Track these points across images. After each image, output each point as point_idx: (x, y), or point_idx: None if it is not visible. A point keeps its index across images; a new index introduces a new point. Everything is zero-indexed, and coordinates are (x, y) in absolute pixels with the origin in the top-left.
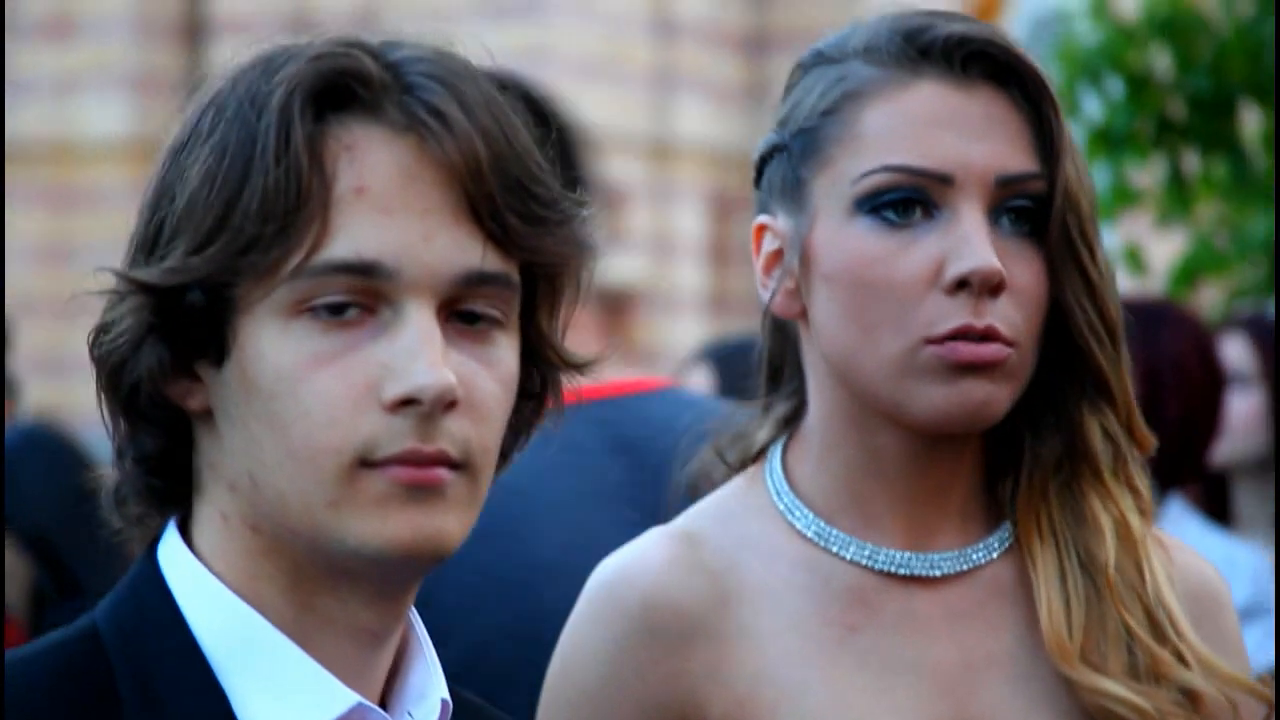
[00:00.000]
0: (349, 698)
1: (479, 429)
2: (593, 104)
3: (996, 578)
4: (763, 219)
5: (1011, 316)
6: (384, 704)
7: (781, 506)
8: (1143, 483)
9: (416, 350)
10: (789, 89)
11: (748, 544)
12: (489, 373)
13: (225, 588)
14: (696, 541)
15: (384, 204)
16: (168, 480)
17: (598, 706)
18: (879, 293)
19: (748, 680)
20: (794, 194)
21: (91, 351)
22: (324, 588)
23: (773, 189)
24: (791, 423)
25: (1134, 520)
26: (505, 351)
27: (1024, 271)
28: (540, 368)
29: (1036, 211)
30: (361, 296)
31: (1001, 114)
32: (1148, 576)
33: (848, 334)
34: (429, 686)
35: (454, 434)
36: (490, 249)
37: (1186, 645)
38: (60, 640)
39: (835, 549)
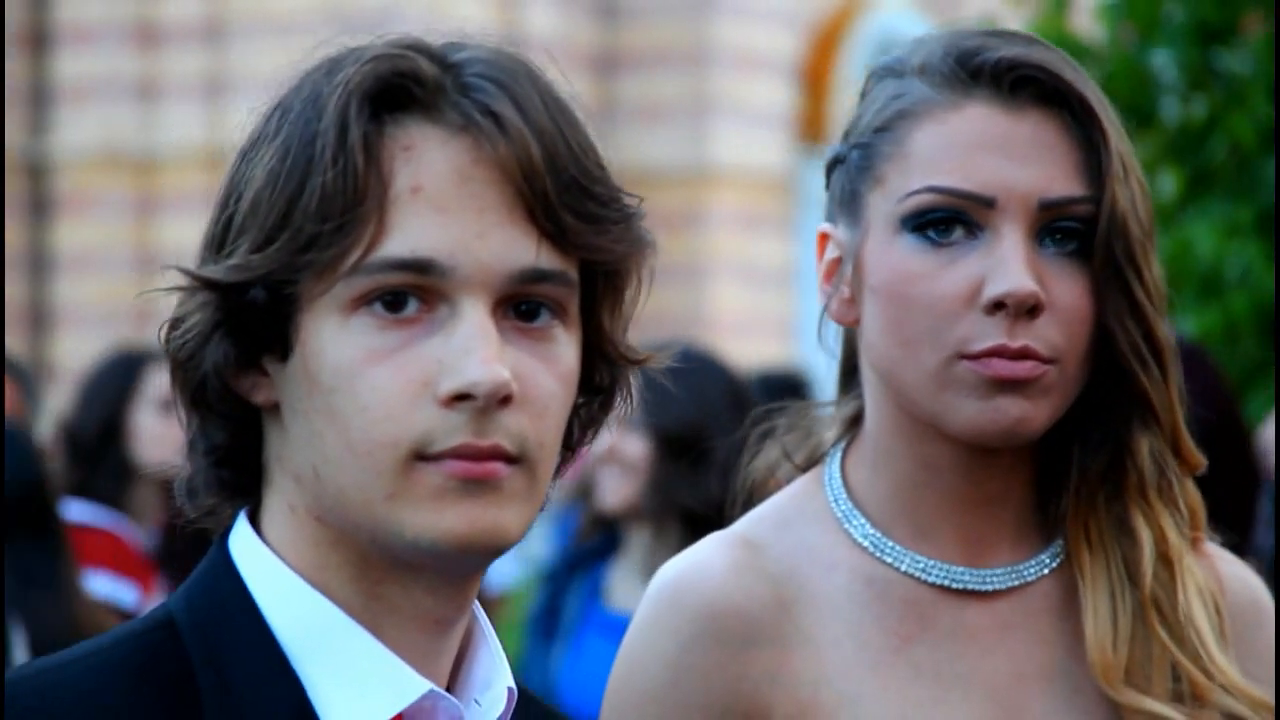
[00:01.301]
0: (421, 685)
1: (536, 424)
2: None
3: (1049, 592)
4: (825, 226)
5: (1051, 336)
6: (450, 692)
7: (839, 514)
8: (1187, 500)
9: (471, 346)
10: (860, 96)
11: (806, 551)
12: (547, 369)
13: (297, 576)
14: (757, 548)
15: (440, 203)
16: (237, 472)
17: (663, 709)
18: (919, 309)
19: (808, 686)
20: (850, 206)
21: (165, 346)
22: (389, 577)
23: (834, 198)
24: (856, 425)
25: (1173, 536)
26: (564, 348)
27: (1067, 291)
28: (604, 364)
29: (1085, 232)
30: (418, 293)
31: (1050, 138)
32: (1180, 595)
33: (890, 346)
34: (494, 675)
35: (510, 429)
36: (545, 246)
37: (1215, 667)
38: (137, 630)
39: (890, 560)
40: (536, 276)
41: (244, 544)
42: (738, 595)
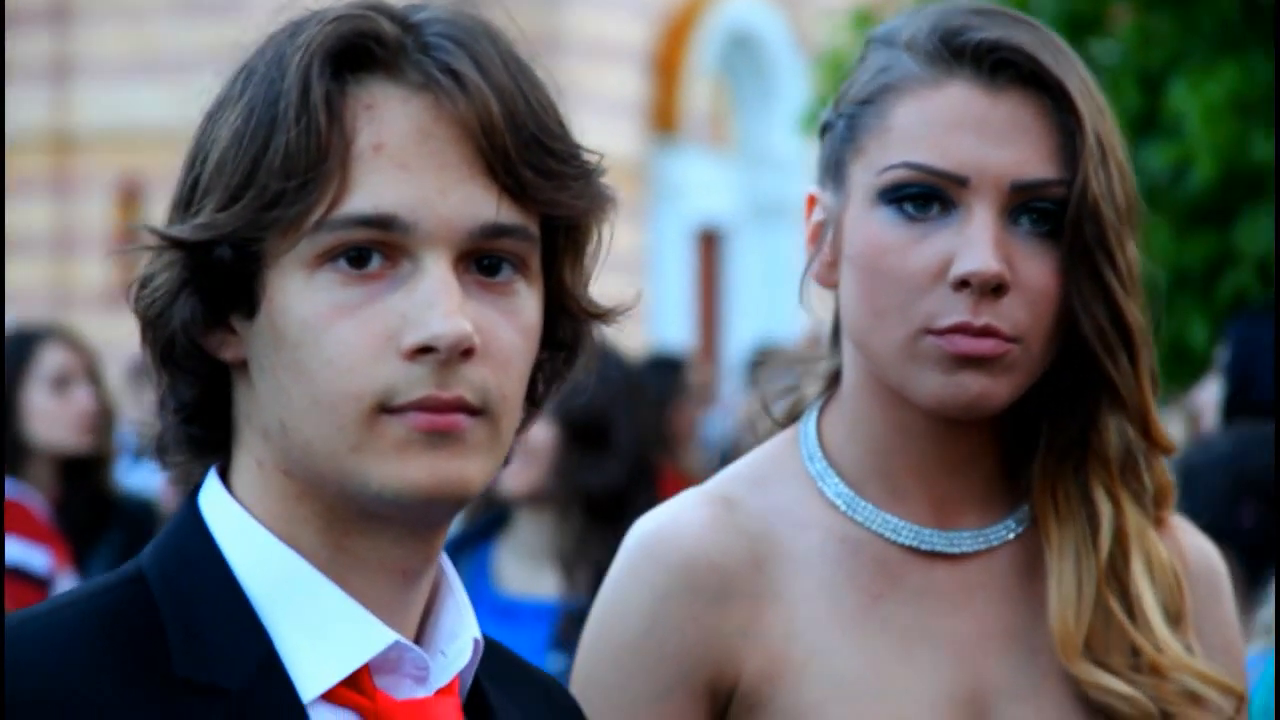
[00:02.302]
0: (387, 635)
1: (498, 376)
2: None
3: (1015, 557)
4: (814, 190)
5: (1016, 314)
6: (418, 643)
7: (813, 472)
8: (1155, 479)
9: (433, 300)
10: (858, 61)
11: (781, 509)
12: (509, 322)
13: (265, 530)
14: (733, 504)
15: (401, 160)
16: (206, 429)
17: (639, 658)
18: (890, 281)
19: (780, 640)
20: (835, 173)
21: (132, 305)
22: (355, 529)
23: (822, 163)
24: (835, 383)
25: (1130, 513)
26: (526, 302)
27: (1036, 271)
28: (567, 319)
29: (1059, 214)
30: (381, 249)
31: (1028, 120)
32: (1133, 567)
33: (862, 315)
34: (460, 626)
35: (472, 381)
36: (505, 202)
37: (1161, 642)
38: (107, 584)
39: (861, 520)
40: (497, 231)
41: (213, 500)
42: (713, 550)
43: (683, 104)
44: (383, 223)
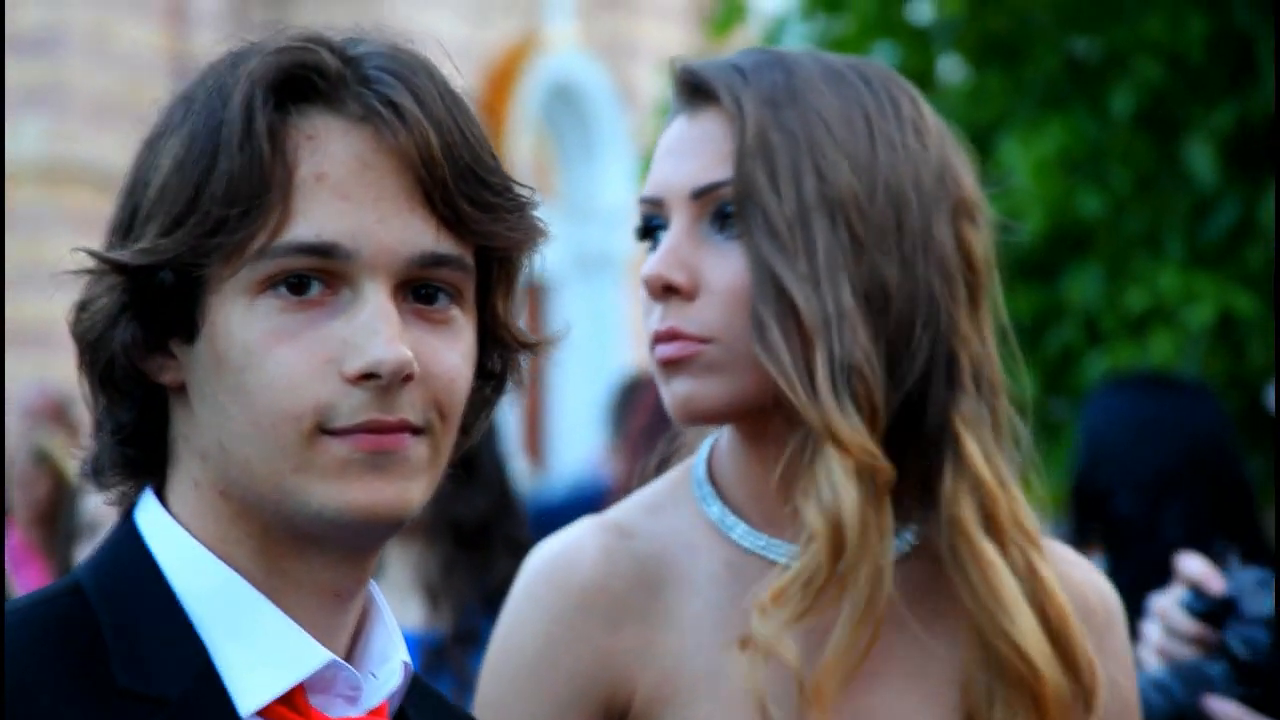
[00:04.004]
0: (323, 655)
1: (440, 397)
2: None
3: (904, 574)
4: None
5: (704, 316)
6: (348, 664)
7: (697, 495)
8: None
9: (375, 327)
10: None
11: (673, 534)
12: (446, 347)
13: (203, 547)
14: (627, 532)
15: (342, 190)
16: (143, 450)
17: (534, 679)
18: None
19: (671, 661)
20: None
21: (71, 328)
22: (290, 551)
23: None
24: None
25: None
26: (462, 329)
27: (725, 271)
28: (498, 349)
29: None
30: (321, 276)
31: (716, 133)
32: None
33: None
34: (390, 649)
35: (414, 403)
36: (443, 232)
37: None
38: (45, 596)
39: (736, 538)
40: (435, 261)
41: (150, 517)
42: (607, 576)
43: (506, 155)
44: (324, 251)
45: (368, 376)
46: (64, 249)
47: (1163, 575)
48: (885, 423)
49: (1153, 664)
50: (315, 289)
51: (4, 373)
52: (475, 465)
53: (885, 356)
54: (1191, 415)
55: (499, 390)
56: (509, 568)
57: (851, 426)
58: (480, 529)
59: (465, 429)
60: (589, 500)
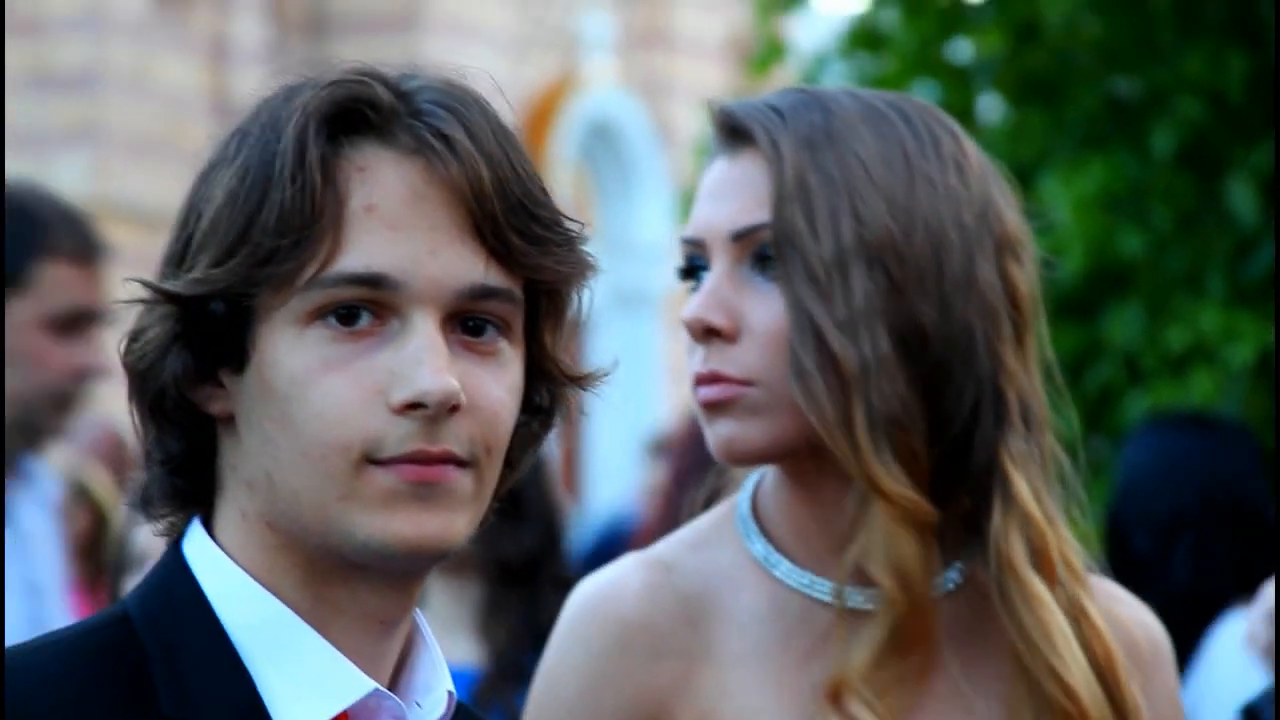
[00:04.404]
0: (366, 684)
1: (484, 431)
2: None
3: (951, 614)
4: None
5: (746, 359)
6: (393, 693)
7: (742, 532)
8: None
9: (421, 358)
10: None
11: (716, 570)
12: (494, 379)
13: (249, 578)
14: (670, 567)
15: (392, 221)
16: (191, 481)
17: (577, 715)
18: None
19: (711, 698)
20: None
21: (122, 358)
22: (335, 579)
23: None
24: None
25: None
26: (510, 362)
27: (765, 314)
28: (545, 383)
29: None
30: (371, 307)
31: (754, 176)
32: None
33: None
34: (435, 679)
35: (459, 434)
36: (493, 265)
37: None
38: (92, 625)
39: (780, 575)
40: (484, 293)
41: (198, 547)
42: (650, 612)
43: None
44: (373, 281)
45: (414, 406)
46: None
47: (1170, 615)
48: (929, 465)
49: None
50: (364, 319)
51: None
52: (522, 502)
53: (925, 400)
54: (1214, 455)
55: (546, 425)
56: (556, 605)
57: (892, 476)
58: (527, 566)
59: (511, 463)
60: (613, 549)
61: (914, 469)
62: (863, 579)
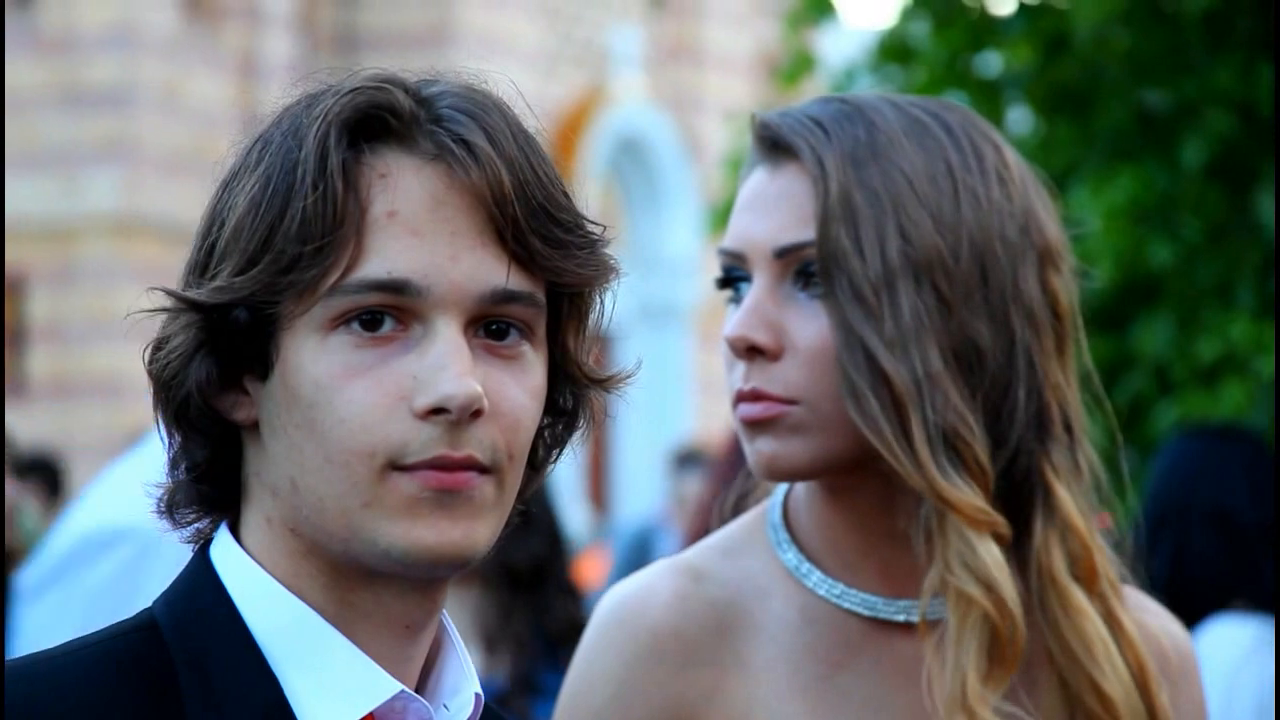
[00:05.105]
0: (392, 685)
1: (507, 436)
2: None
3: None
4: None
5: (789, 377)
6: (420, 695)
7: (773, 541)
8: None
9: (444, 363)
10: None
11: (747, 579)
12: (517, 383)
13: (276, 582)
14: (701, 575)
15: (414, 226)
16: (217, 487)
17: None
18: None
19: (742, 707)
20: None
21: (146, 367)
22: (360, 584)
23: None
24: None
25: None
26: (532, 366)
27: (810, 332)
28: (569, 385)
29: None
30: (394, 313)
31: (797, 191)
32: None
33: None
34: (462, 681)
35: (481, 440)
36: (514, 269)
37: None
38: (120, 631)
39: (811, 585)
40: (506, 297)
41: (224, 553)
42: (680, 619)
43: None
44: (396, 287)
45: (438, 411)
46: (133, 301)
47: None
48: (994, 479)
49: None
50: (387, 325)
51: (3, 377)
52: (528, 508)
53: (984, 414)
54: (1200, 459)
55: (571, 428)
56: (565, 609)
57: (959, 489)
58: (535, 572)
59: (535, 466)
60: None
61: (982, 481)
62: (904, 590)
